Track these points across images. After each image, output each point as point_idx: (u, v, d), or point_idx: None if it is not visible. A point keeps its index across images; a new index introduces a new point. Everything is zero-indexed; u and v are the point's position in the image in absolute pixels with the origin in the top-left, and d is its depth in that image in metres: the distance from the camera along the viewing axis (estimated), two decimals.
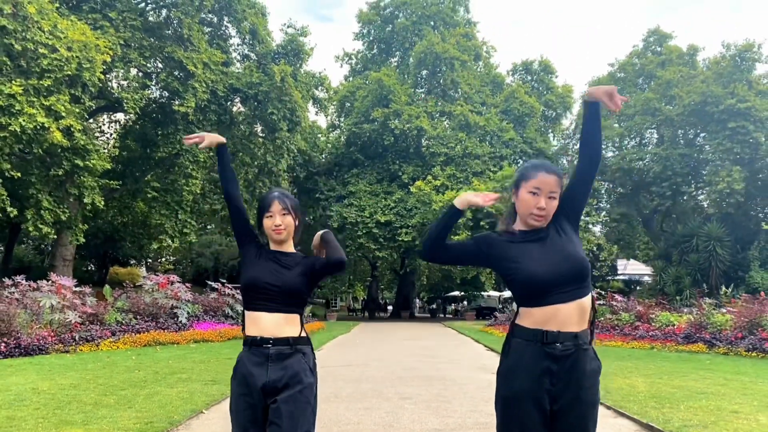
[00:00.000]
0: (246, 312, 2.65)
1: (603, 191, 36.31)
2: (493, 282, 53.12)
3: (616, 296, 19.57)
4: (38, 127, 18.28)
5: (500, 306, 38.86)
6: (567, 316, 2.26)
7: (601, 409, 6.71)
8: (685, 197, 33.78)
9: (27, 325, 12.09)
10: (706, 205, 34.14)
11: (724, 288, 19.51)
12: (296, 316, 2.64)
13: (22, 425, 5.45)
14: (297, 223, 2.75)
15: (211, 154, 28.95)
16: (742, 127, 27.59)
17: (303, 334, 2.63)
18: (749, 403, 6.76)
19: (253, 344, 2.57)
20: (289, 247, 2.75)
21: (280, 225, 2.66)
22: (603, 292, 21.97)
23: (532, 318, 2.29)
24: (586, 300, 2.31)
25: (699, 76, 30.87)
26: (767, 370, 9.99)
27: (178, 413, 6.17)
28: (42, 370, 9.35)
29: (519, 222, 2.45)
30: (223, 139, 2.87)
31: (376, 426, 5.85)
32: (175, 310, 16.18)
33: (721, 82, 29.02)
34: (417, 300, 66.69)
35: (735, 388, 7.98)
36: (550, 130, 42.87)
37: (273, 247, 2.73)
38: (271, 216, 2.68)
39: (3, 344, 11.09)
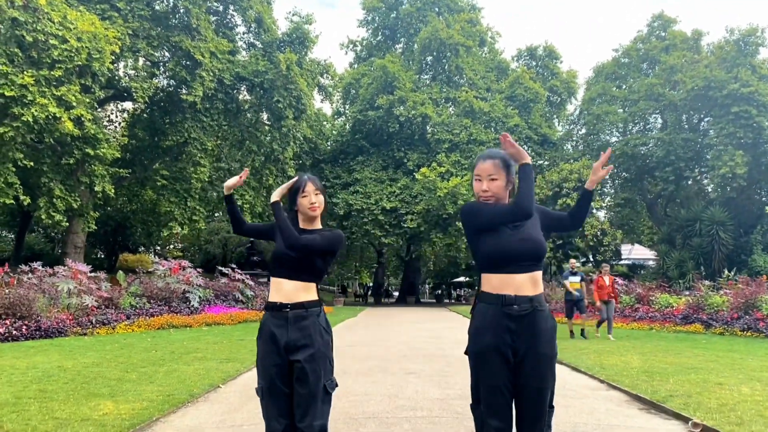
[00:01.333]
0: (271, 279, 3.07)
1: (607, 177, 36.49)
2: None
3: (617, 279, 19.88)
4: (50, 117, 18.67)
5: None
6: (521, 283, 2.68)
7: (594, 382, 7.16)
8: (689, 182, 33.98)
9: (46, 308, 12.56)
10: (709, 190, 34.32)
11: (726, 271, 19.83)
12: (312, 285, 3.02)
13: (54, 397, 5.88)
14: (325, 203, 3.14)
15: (219, 142, 29.37)
16: (746, 112, 27.72)
17: (315, 298, 3.02)
18: (735, 377, 7.13)
19: (274, 309, 2.98)
20: (317, 224, 3.13)
21: (314, 203, 3.03)
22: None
23: (490, 284, 2.73)
24: (538, 273, 2.75)
25: (703, 61, 30.93)
26: (759, 348, 10.36)
27: (197, 387, 6.59)
28: (63, 351, 9.80)
29: None
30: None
31: (382, 396, 6.26)
32: (187, 295, 16.64)
33: (725, 67, 29.11)
34: (426, 285, 67.19)
35: (725, 363, 8.35)
36: (554, 116, 43.02)
37: (302, 225, 3.09)
38: (306, 195, 3.03)
39: (24, 327, 11.56)
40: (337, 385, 3.00)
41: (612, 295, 13.11)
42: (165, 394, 6.15)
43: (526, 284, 2.69)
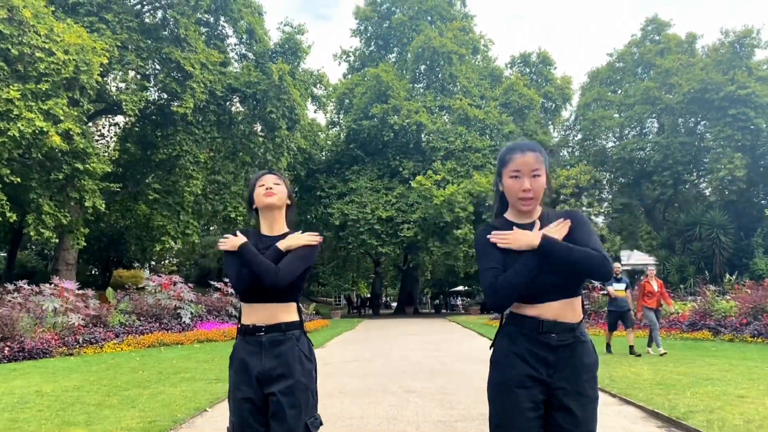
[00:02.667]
0: (243, 303, 2.60)
1: (605, 182, 36.21)
2: None
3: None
4: (37, 132, 18.25)
5: None
6: (560, 309, 2.17)
7: (606, 397, 6.72)
8: (687, 186, 33.72)
9: (30, 328, 12.09)
10: (708, 193, 34.04)
11: (728, 275, 19.45)
12: (293, 304, 2.59)
13: (25, 427, 5.44)
14: (290, 202, 2.71)
15: (212, 154, 28.99)
16: (743, 114, 27.49)
17: (296, 319, 2.58)
18: (755, 388, 6.72)
19: (246, 332, 2.54)
20: (281, 223, 2.68)
21: (270, 188, 2.61)
22: (605, 283, 21.86)
23: (525, 309, 2.21)
24: (577, 298, 2.23)
25: (698, 63, 30.74)
26: (764, 352, 9.96)
27: (182, 411, 6.15)
28: (46, 373, 9.34)
29: (510, 210, 2.32)
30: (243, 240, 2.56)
31: (381, 419, 5.82)
32: (179, 311, 16.16)
33: (721, 69, 28.91)
34: (425, 295, 66.65)
35: (740, 373, 7.94)
36: (550, 122, 42.79)
37: (265, 229, 2.65)
38: (262, 184, 2.63)
39: (7, 348, 11.09)
40: (321, 424, 2.53)
41: (661, 303, 11.40)
42: (146, 420, 5.71)
43: (566, 310, 2.18)
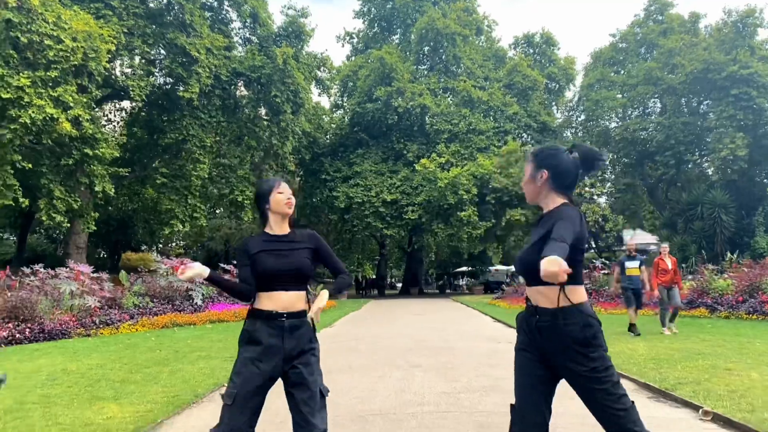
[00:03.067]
0: (260, 291, 2.98)
1: (608, 162, 36.37)
2: (501, 257, 53.57)
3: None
4: (47, 118, 18.60)
5: (507, 280, 39.24)
6: (541, 294, 2.58)
7: None
8: (689, 165, 33.88)
9: (49, 311, 12.52)
10: (710, 173, 34.21)
11: (729, 254, 19.76)
12: (305, 293, 3.03)
13: (58, 401, 5.84)
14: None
15: (218, 139, 29.29)
16: (745, 93, 27.60)
17: (306, 307, 3.01)
18: (743, 362, 7.08)
19: (269, 318, 2.92)
20: (286, 226, 3.10)
21: (290, 199, 3.07)
22: (607, 262, 22.22)
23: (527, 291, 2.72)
24: (550, 287, 2.53)
25: (701, 43, 30.76)
26: (765, 331, 10.32)
27: (202, 387, 6.55)
28: (67, 353, 9.77)
29: None
30: (206, 272, 2.95)
31: (389, 391, 6.22)
32: (190, 293, 16.60)
33: (724, 49, 28.95)
34: (429, 276, 67.15)
35: (732, 348, 8.30)
36: (553, 103, 42.83)
37: (274, 228, 3.07)
38: (281, 192, 3.06)
39: (27, 330, 11.53)
40: (329, 391, 2.98)
41: (675, 280, 11.03)
42: (170, 395, 6.11)
43: (547, 294, 2.57)
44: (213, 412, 5.57)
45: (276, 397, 3.22)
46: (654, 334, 10.67)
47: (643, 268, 11.33)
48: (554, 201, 2.67)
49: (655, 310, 14.66)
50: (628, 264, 11.33)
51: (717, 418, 4.69)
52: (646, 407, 5.28)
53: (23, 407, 5.58)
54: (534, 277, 2.46)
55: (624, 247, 11.53)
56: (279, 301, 2.92)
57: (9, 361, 8.92)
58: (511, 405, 2.65)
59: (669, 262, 11.12)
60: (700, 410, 4.89)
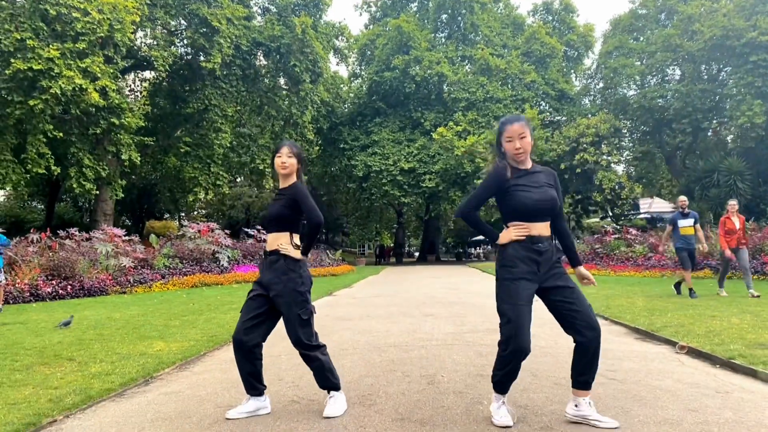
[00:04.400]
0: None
1: (625, 130, 36.45)
2: None
3: (631, 230, 20.33)
4: (76, 89, 19.32)
5: None
6: (542, 228, 3.35)
7: (598, 320, 7.69)
8: (707, 133, 33.82)
9: (87, 270, 13.42)
10: (728, 141, 34.17)
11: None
12: (286, 234, 3.75)
13: (111, 338, 6.63)
14: (299, 167, 3.85)
15: (239, 108, 29.92)
16: (764, 60, 27.45)
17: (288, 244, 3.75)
18: (728, 310, 7.68)
19: (264, 255, 3.85)
20: (290, 181, 3.82)
21: (285, 162, 3.76)
22: (619, 227, 22.65)
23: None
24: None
25: (721, 9, 30.46)
26: (762, 289, 10.84)
27: None
28: (107, 307, 10.62)
29: (510, 161, 3.43)
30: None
31: (402, 332, 6.93)
32: (217, 255, 17.45)
33: (744, 15, 28.71)
34: (446, 245, 67.82)
35: (724, 302, 8.88)
36: (572, 71, 42.72)
37: (280, 184, 3.87)
38: (279, 156, 3.77)
39: (69, 286, 12.43)
40: (311, 312, 3.74)
41: (743, 241, 10.19)
42: (208, 335, 6.87)
43: (546, 228, 3.39)
44: None
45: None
46: (654, 292, 11.22)
47: (697, 226, 10.27)
48: (530, 159, 3.44)
49: (663, 271, 15.21)
50: (682, 222, 10.23)
51: (690, 351, 5.32)
52: (630, 344, 5.93)
53: (83, 342, 6.38)
54: (546, 214, 3.34)
55: (677, 204, 10.54)
56: (268, 241, 3.80)
57: (56, 312, 9.78)
58: (506, 322, 3.26)
59: (737, 221, 10.23)
60: (677, 345, 5.52)
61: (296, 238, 3.77)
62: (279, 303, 3.62)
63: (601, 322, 7.65)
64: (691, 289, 9.83)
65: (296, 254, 3.68)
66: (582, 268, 3.53)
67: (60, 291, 12.16)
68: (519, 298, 3.22)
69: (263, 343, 3.74)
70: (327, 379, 3.70)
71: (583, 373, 3.28)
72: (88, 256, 14.13)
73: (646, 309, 8.26)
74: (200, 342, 6.39)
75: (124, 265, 14.21)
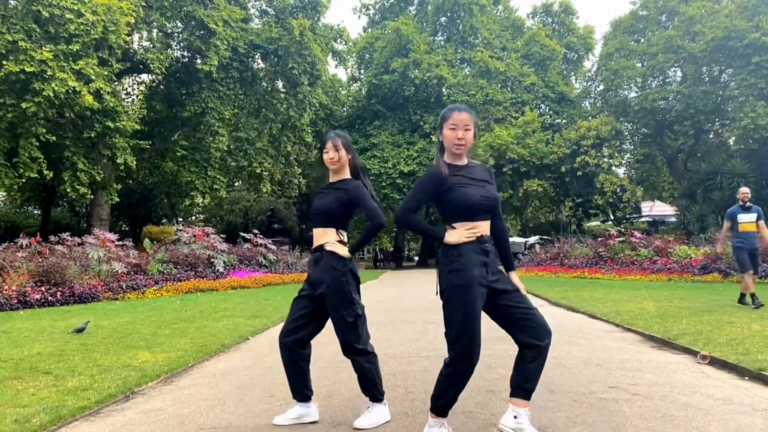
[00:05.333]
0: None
1: (626, 133, 36.13)
2: (518, 228, 53.64)
3: (636, 233, 19.96)
4: (70, 92, 18.96)
5: (525, 251, 39.37)
6: (486, 227, 3.08)
7: (610, 326, 7.42)
8: (709, 135, 33.51)
9: (78, 275, 13.03)
10: (731, 143, 33.84)
11: None
12: (332, 230, 3.51)
13: (95, 349, 6.25)
14: (350, 156, 3.58)
15: (236, 111, 29.58)
16: (767, 62, 27.16)
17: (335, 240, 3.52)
18: (747, 317, 7.31)
19: (311, 252, 3.64)
20: (342, 175, 3.60)
21: (333, 158, 3.53)
22: (623, 230, 22.28)
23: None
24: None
25: (723, 10, 30.19)
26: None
27: (228, 339, 6.93)
28: (98, 313, 10.23)
29: (447, 154, 3.12)
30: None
31: (403, 341, 6.55)
32: (212, 260, 17.06)
33: (746, 16, 28.42)
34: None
35: (741, 307, 8.50)
36: (572, 73, 42.43)
37: (330, 177, 3.63)
38: (327, 151, 3.55)
39: (59, 293, 12.04)
40: (357, 314, 3.58)
41: None
42: (198, 345, 6.49)
43: (487, 227, 3.12)
44: (240, 358, 5.96)
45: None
46: (663, 296, 10.85)
47: (761, 222, 8.86)
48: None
49: (669, 275, 14.81)
50: (742, 217, 8.92)
51: (714, 361, 4.95)
52: (647, 353, 5.55)
53: (64, 353, 6.00)
54: (489, 211, 3.07)
55: (738, 196, 8.85)
56: (314, 236, 3.59)
57: (44, 320, 9.40)
58: (459, 335, 2.97)
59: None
60: (698, 354, 5.15)
61: (344, 235, 3.55)
62: (326, 302, 3.46)
63: (612, 328, 7.31)
64: (753, 295, 8.49)
65: (343, 251, 3.45)
66: (514, 275, 3.20)
67: (49, 298, 11.77)
68: (474, 307, 2.95)
69: (310, 344, 3.60)
70: (369, 388, 3.55)
71: (530, 380, 3.01)
72: (79, 261, 13.75)
73: (659, 315, 7.88)
74: (189, 352, 6.01)
75: (117, 271, 13.83)
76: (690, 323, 6.89)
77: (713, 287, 12.42)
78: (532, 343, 2.97)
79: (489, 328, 6.57)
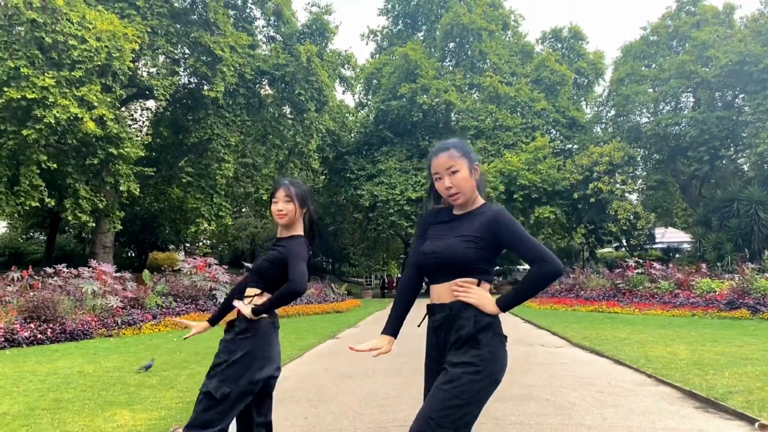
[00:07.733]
0: None
1: (639, 158, 35.51)
2: None
3: (655, 264, 19.22)
4: (72, 118, 18.60)
5: None
6: (440, 292, 2.41)
7: (641, 377, 6.65)
8: (724, 161, 32.85)
9: (71, 311, 12.42)
10: (746, 169, 33.15)
11: (767, 252, 18.99)
12: (258, 292, 3.02)
13: (69, 407, 5.61)
14: (303, 210, 2.98)
15: (242, 137, 29.21)
16: None
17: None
18: None
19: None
20: (295, 231, 3.02)
21: (281, 210, 2.97)
22: (641, 261, 21.52)
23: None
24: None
25: (736, 35, 29.76)
26: None
27: None
28: (87, 354, 9.61)
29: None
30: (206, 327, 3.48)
31: (414, 400, 5.86)
32: (214, 292, 16.44)
33: (760, 41, 27.95)
34: None
35: None
36: (582, 98, 42.05)
37: (278, 232, 3.03)
38: (276, 201, 2.99)
39: (49, 330, 11.42)
40: (222, 392, 2.94)
41: None
42: (185, 400, 5.84)
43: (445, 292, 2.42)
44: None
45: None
46: (692, 337, 10.12)
47: None
48: (479, 198, 2.49)
49: (693, 310, 14.07)
50: None
51: None
52: (693, 418, 4.86)
53: (33, 413, 5.35)
54: (442, 272, 2.39)
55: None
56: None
57: (28, 361, 8.79)
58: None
59: None
60: (757, 424, 4.45)
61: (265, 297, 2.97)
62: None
63: (644, 380, 6.57)
64: None
65: (247, 311, 2.87)
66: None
67: (39, 335, 11.15)
68: (424, 386, 2.49)
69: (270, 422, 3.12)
70: None
71: None
72: (73, 295, 13.16)
73: (694, 362, 7.17)
74: (173, 411, 5.36)
75: (112, 306, 13.21)
76: (734, 376, 6.17)
77: (743, 325, 11.65)
78: None
79: (518, 373, 5.65)
